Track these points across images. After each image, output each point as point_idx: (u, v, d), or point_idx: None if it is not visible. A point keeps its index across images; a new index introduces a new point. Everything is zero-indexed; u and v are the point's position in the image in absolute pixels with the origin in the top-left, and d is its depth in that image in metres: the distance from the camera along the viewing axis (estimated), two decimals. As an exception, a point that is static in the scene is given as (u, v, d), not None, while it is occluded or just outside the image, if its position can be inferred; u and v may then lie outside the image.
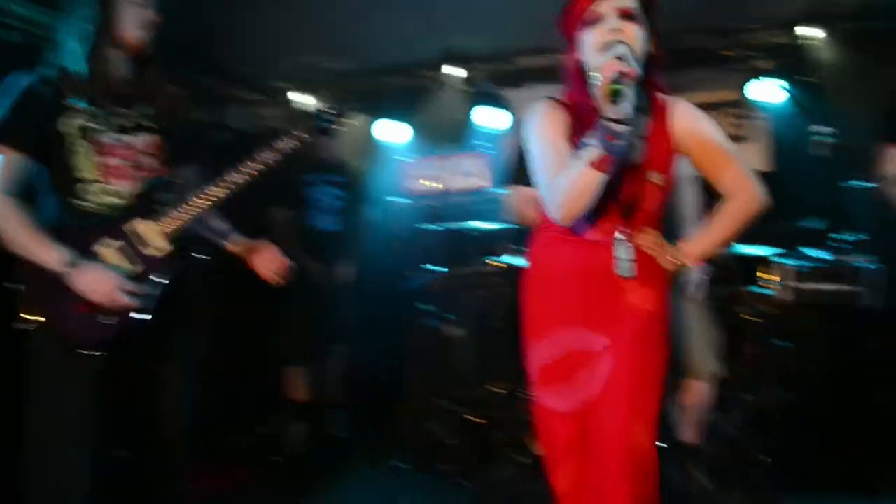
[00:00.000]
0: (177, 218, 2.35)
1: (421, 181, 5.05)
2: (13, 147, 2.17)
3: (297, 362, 4.30)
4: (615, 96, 1.75)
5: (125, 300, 2.18)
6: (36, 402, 2.19)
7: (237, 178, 2.48)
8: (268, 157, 2.55)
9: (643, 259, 2.00)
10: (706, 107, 4.94)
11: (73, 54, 2.22)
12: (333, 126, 2.71)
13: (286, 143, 2.59)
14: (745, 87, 5.03)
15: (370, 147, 5.21)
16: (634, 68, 1.80)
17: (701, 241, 2.05)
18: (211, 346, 3.54)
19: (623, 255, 1.96)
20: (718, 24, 4.97)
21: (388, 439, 4.30)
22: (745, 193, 2.00)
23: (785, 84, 4.90)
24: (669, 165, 2.03)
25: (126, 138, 2.31)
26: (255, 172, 2.54)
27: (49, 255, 2.14)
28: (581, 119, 1.99)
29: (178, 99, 2.54)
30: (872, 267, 3.88)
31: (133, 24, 2.27)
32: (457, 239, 4.37)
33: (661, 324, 2.04)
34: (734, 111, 5.28)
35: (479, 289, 4.47)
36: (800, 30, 4.83)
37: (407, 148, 5.32)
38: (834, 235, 4.08)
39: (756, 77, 4.99)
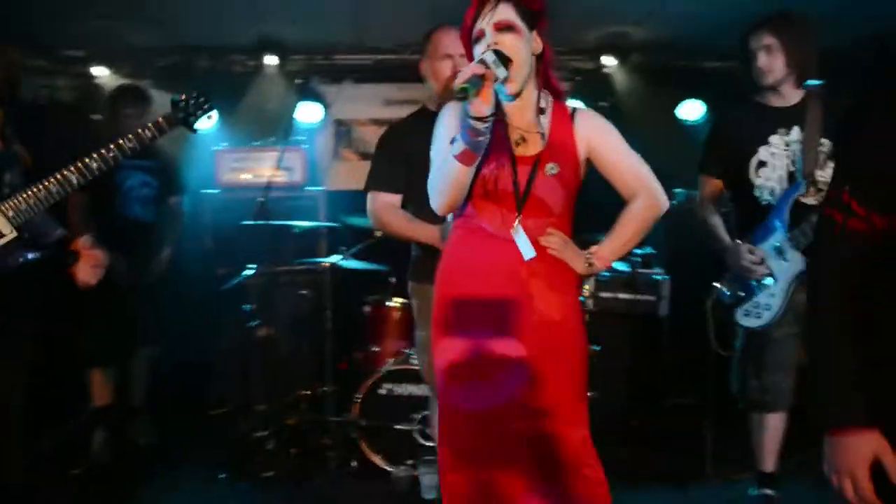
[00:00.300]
0: (24, 202, 2.09)
1: (235, 173, 4.81)
2: None
3: (100, 364, 3.92)
4: (462, 93, 1.86)
5: None
6: None
7: (93, 164, 2.29)
8: (127, 144, 2.39)
9: (551, 265, 2.08)
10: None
11: None
12: (197, 118, 2.59)
13: (148, 132, 2.45)
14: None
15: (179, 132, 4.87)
16: (493, 70, 1.91)
17: (610, 243, 2.15)
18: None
19: (523, 241, 2.06)
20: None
21: (201, 446, 4.08)
22: (646, 197, 2.14)
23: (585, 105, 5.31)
24: (569, 162, 2.12)
25: None
26: (112, 160, 2.37)
27: None
28: None
29: (16, 65, 2.26)
30: (663, 278, 4.33)
31: None
32: (273, 236, 4.21)
33: (571, 332, 2.11)
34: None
35: (295, 288, 4.39)
36: (602, 58, 5.27)
37: (219, 136, 5.04)
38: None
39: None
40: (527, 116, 2.13)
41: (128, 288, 3.91)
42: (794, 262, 2.74)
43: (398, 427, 3.58)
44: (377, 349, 3.97)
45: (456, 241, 2.21)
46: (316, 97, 5.19)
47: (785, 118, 2.84)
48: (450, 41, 2.84)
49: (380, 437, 3.61)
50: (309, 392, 4.18)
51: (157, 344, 4.16)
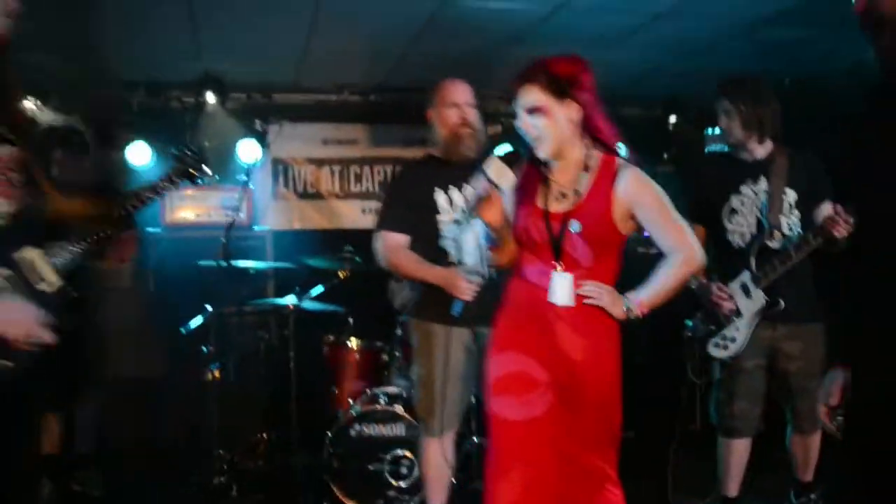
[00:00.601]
0: (66, 250, 2.06)
1: (180, 211, 4.72)
2: None
3: (47, 409, 3.73)
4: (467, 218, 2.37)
5: (45, 337, 1.83)
6: None
7: (130, 207, 2.31)
8: (146, 195, 2.41)
9: (577, 310, 2.26)
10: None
11: None
12: (199, 170, 2.58)
13: (164, 185, 2.46)
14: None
15: (120, 169, 4.75)
16: (494, 184, 2.24)
17: (648, 291, 2.32)
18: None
19: (556, 288, 2.27)
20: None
21: (158, 496, 3.94)
22: (684, 254, 2.32)
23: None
24: (598, 220, 2.28)
25: None
26: (134, 210, 2.38)
27: None
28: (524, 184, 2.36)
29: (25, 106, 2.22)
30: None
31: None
32: (227, 276, 4.16)
33: (591, 370, 2.27)
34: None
35: (256, 329, 4.35)
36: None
37: (154, 173, 4.92)
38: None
39: (491, 138, 5.62)
40: (569, 174, 2.31)
41: (75, 330, 3.76)
42: (757, 300, 3.02)
43: (371, 468, 3.59)
44: (336, 390, 3.98)
45: (510, 283, 2.42)
46: (257, 135, 5.17)
47: (753, 170, 3.13)
48: (457, 91, 3.04)
49: (350, 478, 3.61)
50: (265, 435, 4.12)
51: (105, 387, 4.01)
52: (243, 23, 4.14)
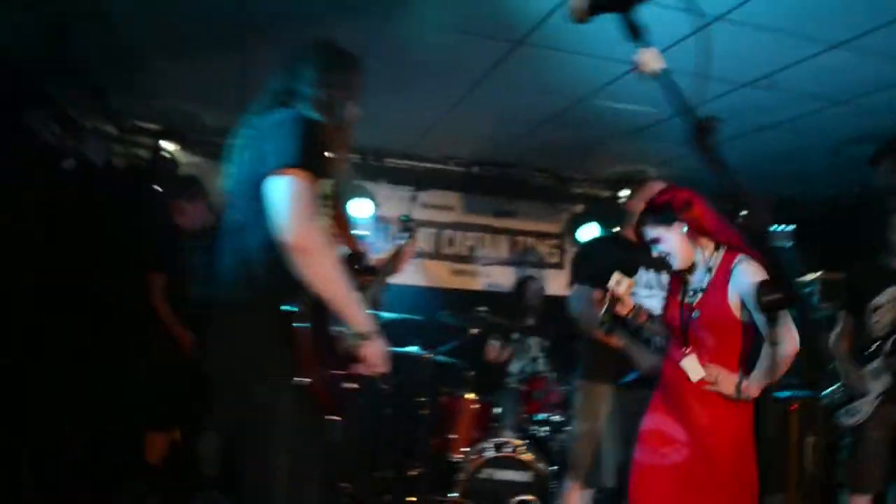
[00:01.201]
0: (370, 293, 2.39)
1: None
2: (314, 177, 1.97)
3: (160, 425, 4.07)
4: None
5: (383, 371, 2.17)
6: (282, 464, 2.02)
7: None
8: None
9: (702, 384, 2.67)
10: (531, 233, 5.93)
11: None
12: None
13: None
14: (565, 223, 6.18)
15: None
16: (619, 295, 2.84)
17: (755, 377, 2.64)
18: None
19: (686, 367, 2.68)
20: (555, 169, 5.97)
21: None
22: (785, 343, 2.59)
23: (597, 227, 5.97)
24: (716, 312, 2.66)
25: None
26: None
27: (362, 314, 2.04)
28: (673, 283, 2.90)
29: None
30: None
31: (353, 117, 2.27)
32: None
33: (712, 434, 2.64)
34: (553, 241, 6.35)
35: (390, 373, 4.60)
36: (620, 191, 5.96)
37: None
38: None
39: (576, 217, 6.10)
40: (696, 274, 2.75)
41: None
42: (884, 381, 3.46)
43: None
44: (454, 437, 4.28)
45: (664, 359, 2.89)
46: (367, 194, 5.54)
47: None
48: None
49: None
50: (385, 475, 4.37)
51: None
52: (389, 93, 4.49)
